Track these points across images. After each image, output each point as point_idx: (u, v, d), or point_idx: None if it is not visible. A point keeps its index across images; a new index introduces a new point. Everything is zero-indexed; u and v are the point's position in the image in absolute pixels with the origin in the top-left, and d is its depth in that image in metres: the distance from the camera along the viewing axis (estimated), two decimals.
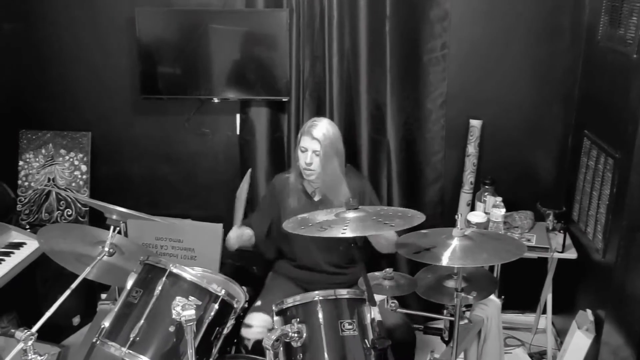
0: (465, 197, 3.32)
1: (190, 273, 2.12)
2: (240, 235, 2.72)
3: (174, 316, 1.91)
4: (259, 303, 2.60)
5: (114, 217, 2.23)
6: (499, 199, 3.03)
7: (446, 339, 2.40)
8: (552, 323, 3.28)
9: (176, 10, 3.25)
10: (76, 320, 3.31)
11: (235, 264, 3.27)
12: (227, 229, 3.23)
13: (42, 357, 1.88)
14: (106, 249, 2.22)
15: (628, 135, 2.45)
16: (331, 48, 3.13)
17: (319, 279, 2.68)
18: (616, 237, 2.56)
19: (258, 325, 2.48)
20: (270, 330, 2.07)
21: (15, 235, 2.97)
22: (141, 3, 3.21)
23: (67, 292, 2.04)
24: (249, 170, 2.86)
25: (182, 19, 3.22)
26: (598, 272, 2.78)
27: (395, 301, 2.31)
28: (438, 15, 3.11)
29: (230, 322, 2.20)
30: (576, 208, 3.07)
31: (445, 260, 2.05)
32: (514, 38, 3.17)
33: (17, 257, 2.77)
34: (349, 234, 1.96)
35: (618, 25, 2.61)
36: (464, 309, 2.30)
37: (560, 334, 3.27)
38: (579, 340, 2.75)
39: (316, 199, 2.70)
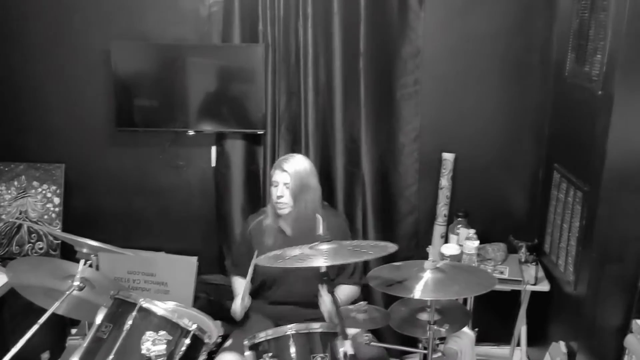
0: (439, 229, 3.34)
1: (161, 307, 2.10)
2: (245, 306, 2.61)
3: (143, 352, 1.88)
4: (229, 342, 2.54)
5: (85, 250, 2.21)
6: (472, 231, 3.06)
7: None
8: (527, 355, 3.29)
9: (152, 44, 3.26)
10: (45, 356, 3.23)
11: (210, 298, 3.23)
12: (201, 262, 3.21)
13: None
14: (76, 283, 2.19)
15: (595, 169, 2.51)
16: (306, 83, 3.17)
17: (290, 312, 2.65)
18: (587, 269, 2.59)
19: None
20: None
21: None
22: (117, 36, 3.23)
23: (35, 328, 2.01)
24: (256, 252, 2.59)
25: (158, 53, 3.23)
26: (570, 303, 2.81)
27: (370, 334, 2.30)
28: (410, 52, 3.18)
29: (202, 358, 2.17)
30: (548, 240, 3.11)
31: (417, 293, 2.06)
32: (484, 74, 3.24)
33: None
34: (330, 262, 1.98)
35: (584, 63, 2.69)
36: (437, 341, 2.30)
37: None
38: None
39: (291, 235, 2.69)
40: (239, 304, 2.55)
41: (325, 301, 2.48)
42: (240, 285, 2.60)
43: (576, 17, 2.80)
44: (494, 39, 3.19)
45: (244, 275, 2.68)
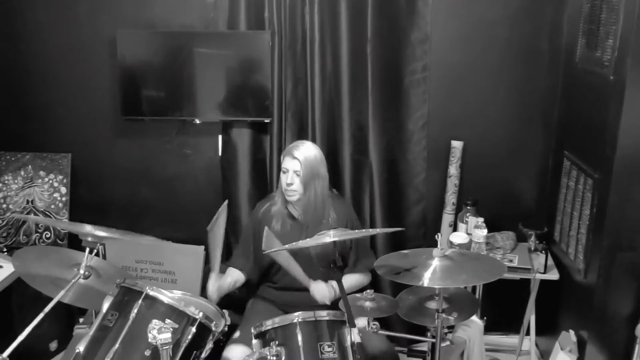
0: (447, 217, 3.32)
1: (167, 296, 2.09)
2: (221, 286, 2.57)
3: (149, 340, 1.87)
4: (237, 334, 2.53)
5: (90, 239, 2.19)
6: (481, 219, 3.03)
7: None
8: (536, 344, 3.27)
9: (158, 32, 3.24)
10: (53, 345, 3.24)
11: None
12: (208, 251, 3.20)
13: None
14: (81, 271, 2.18)
15: (606, 156, 2.47)
16: (313, 70, 3.14)
17: (298, 299, 2.64)
18: (597, 258, 2.56)
19: (237, 358, 2.42)
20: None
21: None
22: (123, 25, 3.22)
23: (40, 316, 2.00)
24: (225, 202, 2.57)
25: (164, 41, 3.21)
26: (580, 292, 2.78)
27: (377, 323, 2.29)
28: (419, 38, 3.14)
29: (209, 346, 2.16)
30: (557, 228, 3.08)
31: (425, 281, 2.04)
32: (493, 61, 3.20)
33: None
34: (336, 238, 1.99)
35: (595, 48, 2.65)
36: (446, 330, 2.28)
37: (544, 356, 3.25)
38: None
39: (301, 221, 2.68)
40: (212, 282, 2.53)
41: (317, 288, 2.49)
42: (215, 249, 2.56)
43: (587, 1, 2.75)
44: (503, 24, 3.14)
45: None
